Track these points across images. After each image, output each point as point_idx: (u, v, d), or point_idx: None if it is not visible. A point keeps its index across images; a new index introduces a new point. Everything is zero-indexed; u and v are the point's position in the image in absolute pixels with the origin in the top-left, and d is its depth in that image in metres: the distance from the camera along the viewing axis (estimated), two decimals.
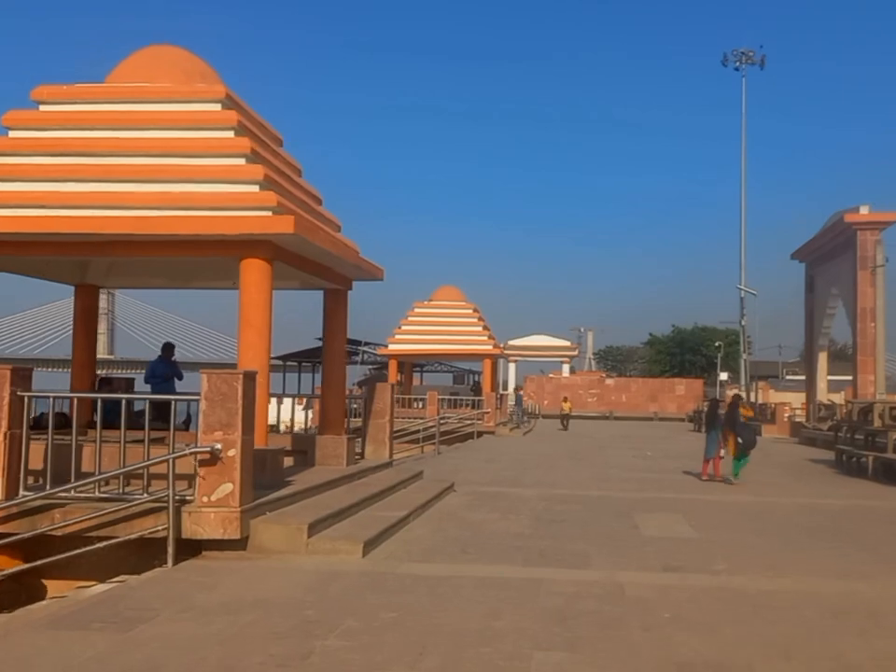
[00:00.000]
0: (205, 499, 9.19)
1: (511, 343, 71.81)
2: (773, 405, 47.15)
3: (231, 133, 11.66)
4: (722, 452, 19.19)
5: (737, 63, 65.92)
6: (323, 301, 14.88)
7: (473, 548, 10.17)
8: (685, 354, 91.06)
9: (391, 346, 42.06)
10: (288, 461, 14.33)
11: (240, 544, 9.37)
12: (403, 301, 40.95)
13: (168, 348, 15.44)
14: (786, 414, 44.10)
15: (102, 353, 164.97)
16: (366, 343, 53.63)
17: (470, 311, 42.85)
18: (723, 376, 66.77)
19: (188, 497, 9.37)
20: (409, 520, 11.84)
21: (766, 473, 20.70)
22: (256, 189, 11.25)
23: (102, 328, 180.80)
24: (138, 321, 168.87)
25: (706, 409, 20.16)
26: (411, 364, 47.93)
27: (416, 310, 42.89)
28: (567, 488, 17.09)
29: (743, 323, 50.21)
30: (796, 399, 52.31)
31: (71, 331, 14.97)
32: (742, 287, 52.51)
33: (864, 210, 36.23)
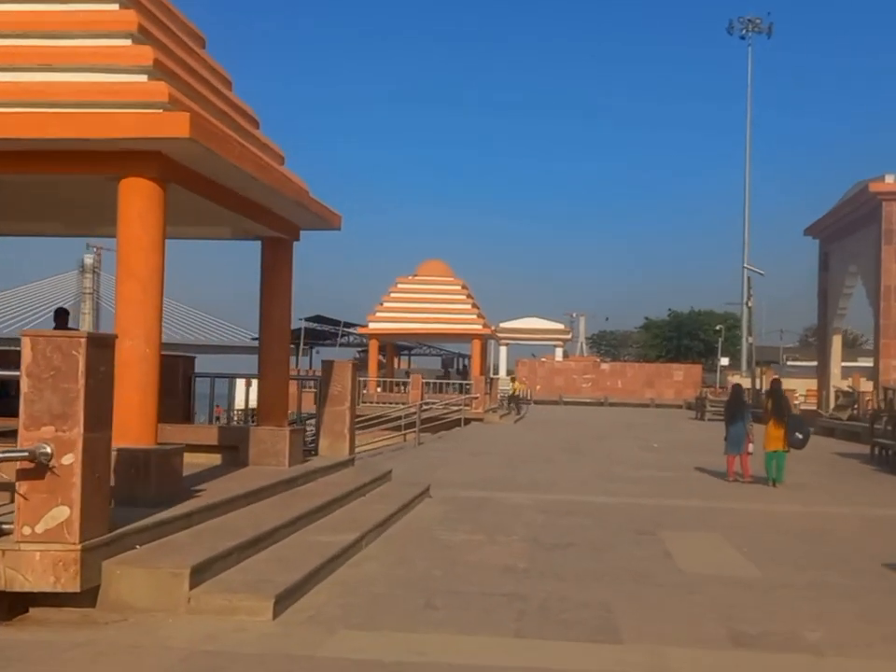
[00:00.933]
0: (27, 531, 5.95)
1: (503, 325, 68.56)
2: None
3: (114, 6, 8.35)
4: (751, 447, 16.02)
5: (743, 31, 62.82)
6: (261, 253, 11.62)
7: (444, 598, 6.95)
8: (682, 338, 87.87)
9: (371, 325, 38.76)
10: (213, 460, 11.14)
11: (86, 598, 6.15)
12: (390, 282, 37.74)
13: (61, 315, 12.13)
14: (795, 402, 41.02)
15: None
16: (346, 325, 50.25)
17: (458, 287, 39.53)
18: (724, 361, 63.67)
19: (4, 527, 6.14)
20: (359, 547, 8.61)
21: (798, 471, 17.38)
22: (143, 78, 7.95)
23: (86, 307, 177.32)
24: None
25: (729, 396, 16.91)
26: (394, 345, 44.65)
27: (399, 286, 39.54)
28: (569, 491, 13.91)
29: (749, 305, 47.02)
30: (800, 385, 49.24)
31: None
32: (748, 266, 49.35)
33: (891, 179, 32.97)
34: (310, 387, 39.27)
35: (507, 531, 10.07)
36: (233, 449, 11.29)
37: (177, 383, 12.96)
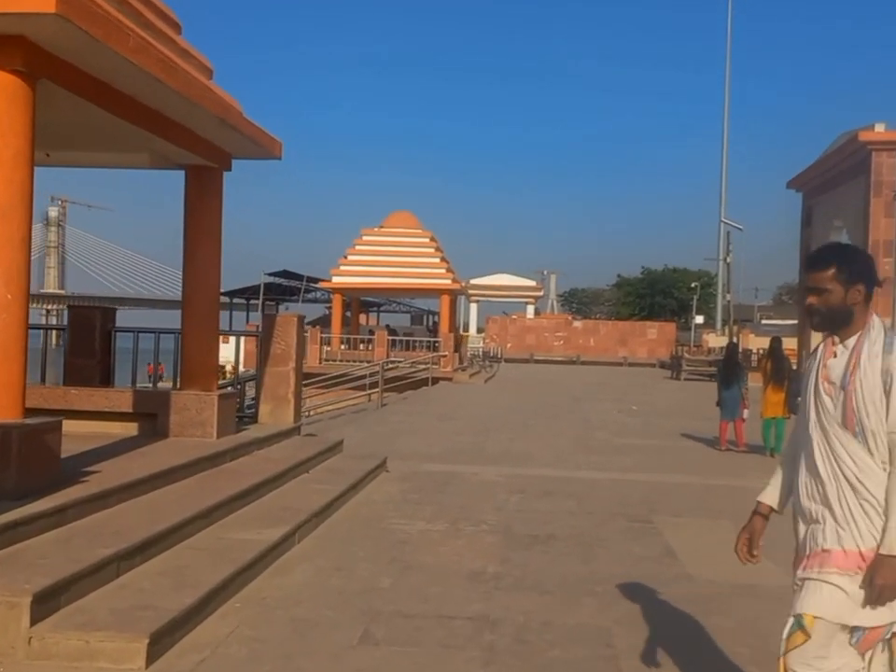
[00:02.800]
0: None
1: (473, 282, 66.72)
2: (760, 351, 42.82)
3: None
4: (746, 412, 14.46)
5: None
6: (184, 184, 9.73)
7: (388, 625, 5.24)
8: (655, 296, 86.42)
9: (335, 279, 36.78)
10: (129, 430, 9.37)
11: None
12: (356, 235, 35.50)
13: None
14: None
15: (52, 287, 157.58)
16: (310, 279, 48.16)
17: (426, 240, 37.57)
18: (699, 319, 62.33)
19: None
20: (289, 544, 6.89)
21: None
22: None
23: (52, 262, 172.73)
24: (91, 256, 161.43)
25: (724, 356, 15.26)
26: (358, 300, 42.74)
27: (365, 238, 37.51)
28: (546, 465, 12.26)
29: (728, 261, 45.49)
30: None
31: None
32: (726, 220, 47.78)
33: (881, 128, 31.31)
34: None
35: (475, 518, 8.39)
36: (152, 417, 9.52)
37: (93, 339, 11.11)
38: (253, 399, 11.72)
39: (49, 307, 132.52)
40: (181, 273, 9.86)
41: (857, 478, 2.96)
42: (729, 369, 14.61)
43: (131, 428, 9.52)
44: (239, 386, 12.30)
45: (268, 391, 11.29)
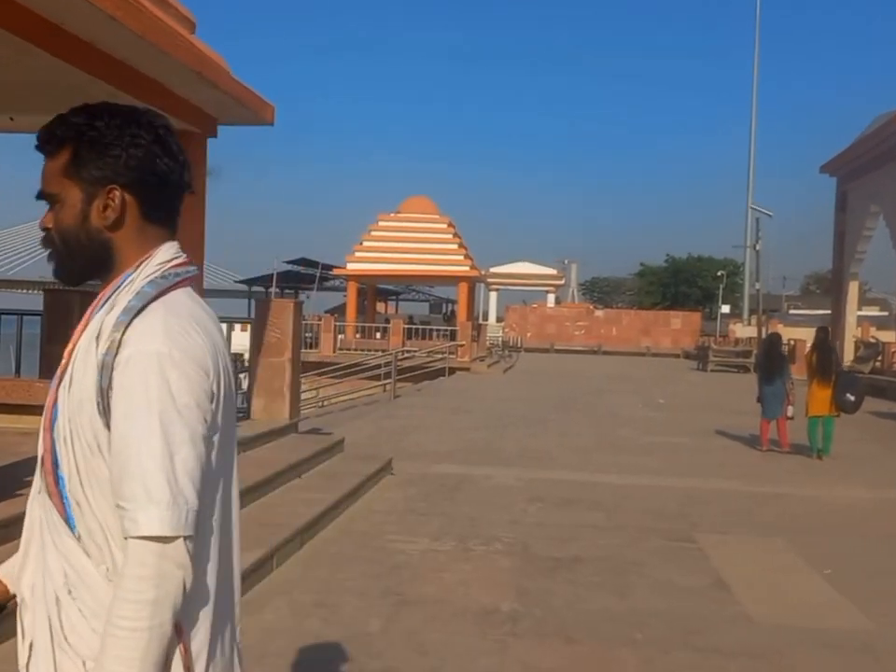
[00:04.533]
0: None
1: (493, 270, 65.48)
2: (792, 342, 41.48)
3: None
4: (791, 410, 13.21)
5: None
6: None
7: None
8: (679, 285, 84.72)
9: (350, 266, 35.64)
10: None
11: None
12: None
13: None
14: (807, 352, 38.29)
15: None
16: (325, 267, 47.03)
17: (444, 226, 36.33)
18: (725, 309, 60.74)
19: None
20: (265, 571, 5.76)
21: (836, 437, 14.58)
22: None
23: None
24: None
25: (764, 347, 13.99)
26: (374, 288, 41.61)
27: (381, 223, 36.31)
28: (568, 466, 11.10)
29: (757, 248, 43.93)
30: (807, 334, 46.57)
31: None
32: (755, 206, 46.25)
33: None
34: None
35: (487, 533, 7.24)
36: None
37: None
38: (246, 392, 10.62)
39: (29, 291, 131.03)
40: None
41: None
42: (771, 361, 13.33)
43: None
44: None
45: (261, 384, 10.18)
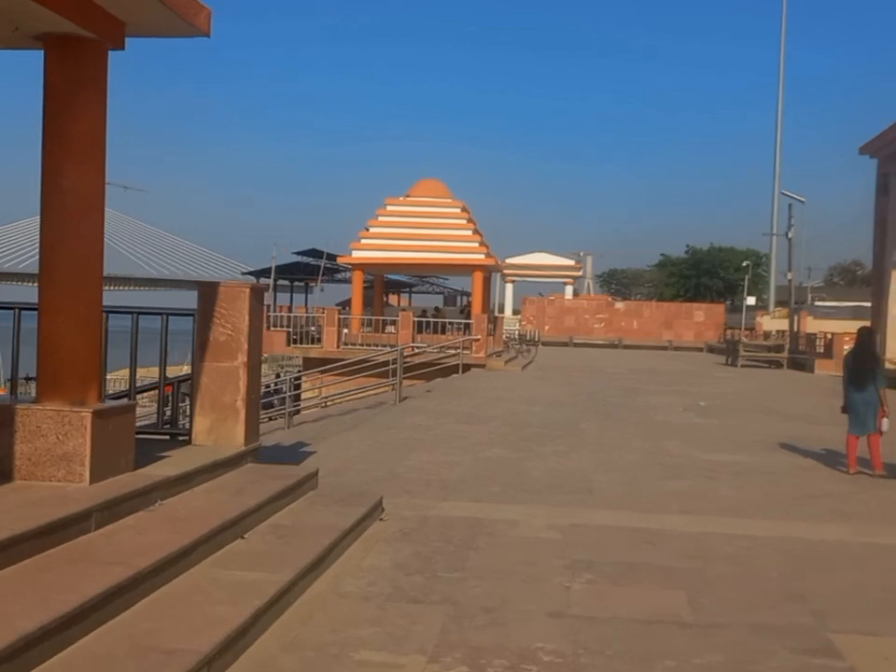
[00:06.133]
0: None
1: (509, 261, 62.80)
2: (828, 335, 38.74)
3: None
4: (885, 423, 10.55)
5: None
6: (44, 70, 6.00)
7: None
8: (701, 277, 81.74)
9: (355, 254, 32.98)
10: None
11: None
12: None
13: None
14: (846, 346, 35.43)
15: None
16: (328, 256, 44.37)
17: (457, 210, 33.62)
18: (750, 301, 57.81)
19: None
20: None
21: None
22: None
23: None
24: (127, 238, 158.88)
25: (855, 345, 11.22)
26: (383, 278, 38.96)
27: (389, 208, 33.64)
28: (616, 502, 8.46)
29: (790, 236, 41.10)
30: (836, 327, 43.67)
31: None
32: (786, 192, 43.43)
33: None
34: (281, 326, 33.88)
35: (516, 645, 4.63)
36: None
37: None
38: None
39: None
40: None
41: None
42: (862, 363, 10.64)
43: None
44: (176, 391, 8.61)
45: (205, 398, 7.59)
